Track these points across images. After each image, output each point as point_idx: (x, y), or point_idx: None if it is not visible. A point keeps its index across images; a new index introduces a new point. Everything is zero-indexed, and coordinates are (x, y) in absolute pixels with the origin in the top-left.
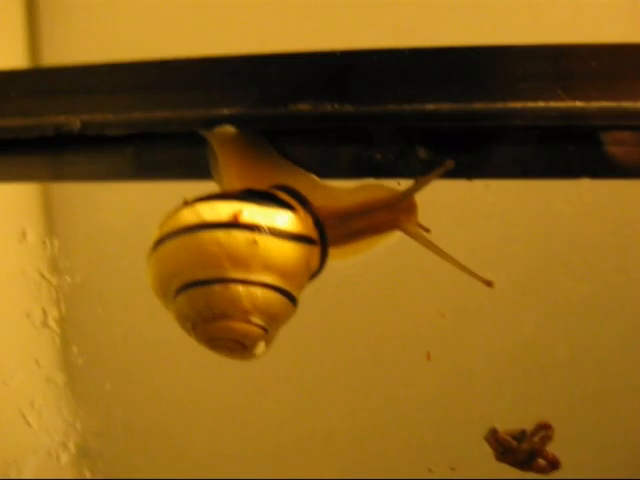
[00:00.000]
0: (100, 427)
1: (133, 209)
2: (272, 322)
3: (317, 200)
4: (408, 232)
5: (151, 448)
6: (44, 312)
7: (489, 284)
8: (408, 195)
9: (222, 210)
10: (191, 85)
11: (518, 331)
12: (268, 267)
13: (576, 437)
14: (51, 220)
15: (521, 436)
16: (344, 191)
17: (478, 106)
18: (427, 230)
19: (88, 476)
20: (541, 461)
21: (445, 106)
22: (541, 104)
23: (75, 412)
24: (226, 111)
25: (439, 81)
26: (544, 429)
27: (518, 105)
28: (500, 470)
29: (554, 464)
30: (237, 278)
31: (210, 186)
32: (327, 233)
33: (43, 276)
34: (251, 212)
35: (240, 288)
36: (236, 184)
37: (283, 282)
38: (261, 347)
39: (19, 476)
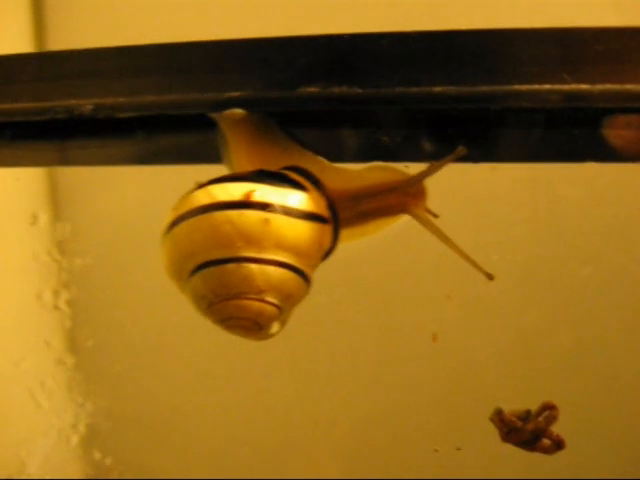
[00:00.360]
0: (110, 408)
1: (143, 192)
2: (286, 301)
3: (327, 181)
4: (416, 216)
5: (160, 429)
6: (55, 294)
7: (490, 277)
8: (418, 180)
9: (234, 190)
10: (201, 68)
11: (524, 313)
12: (281, 245)
13: (581, 419)
14: (62, 203)
15: (526, 416)
16: (354, 172)
17: (484, 89)
18: (435, 216)
19: (98, 457)
20: (546, 441)
21: (452, 89)
22: (546, 87)
23: (85, 393)
24: (236, 94)
25: (446, 64)
26: (549, 409)
27: (524, 88)
28: (505, 450)
29: (559, 444)
30: (250, 257)
31: (220, 169)
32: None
33: (54, 258)
34: (263, 191)
35: (253, 267)
36: (246, 167)
37: (296, 260)
38: (275, 327)
39: (30, 457)
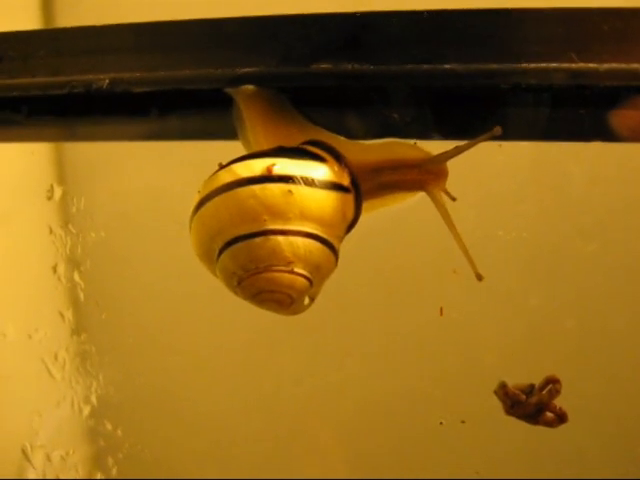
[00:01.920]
0: (122, 380)
1: (157, 168)
2: (316, 272)
3: (345, 154)
4: (432, 196)
5: (171, 402)
6: (69, 267)
7: (479, 277)
8: (444, 159)
9: (255, 166)
10: (215, 44)
11: (529, 287)
12: (305, 216)
13: (584, 396)
14: (77, 178)
15: (530, 390)
16: (373, 145)
17: (493, 67)
18: (453, 199)
19: (109, 428)
20: (549, 414)
21: (461, 66)
22: (553, 65)
23: (97, 365)
24: (249, 70)
25: (456, 42)
26: (552, 383)
27: (531, 66)
28: (509, 423)
29: (562, 417)
30: (276, 229)
31: (234, 145)
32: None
33: (69, 232)
34: (283, 165)
35: (280, 239)
36: (263, 144)
37: (322, 230)
38: (306, 301)
39: (42, 427)
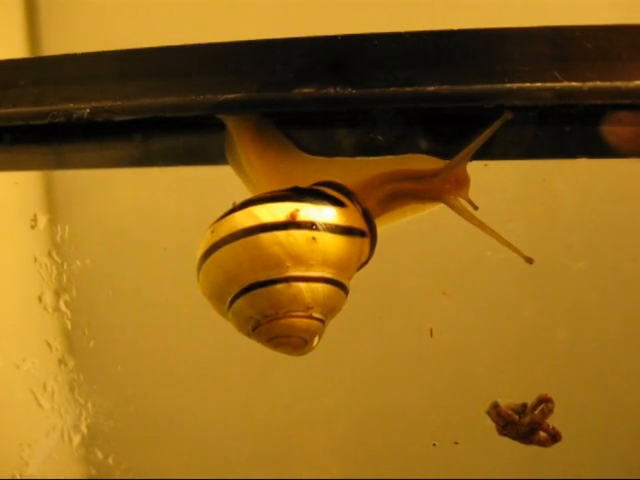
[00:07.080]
0: (112, 408)
1: (140, 194)
2: (329, 314)
3: (353, 173)
4: (452, 206)
5: (161, 428)
6: (55, 296)
7: (529, 260)
8: (457, 162)
9: (277, 211)
10: (197, 71)
11: (518, 308)
12: (326, 262)
13: (577, 413)
14: (61, 206)
15: (522, 410)
16: (383, 158)
17: (477, 88)
18: (476, 208)
19: (100, 457)
20: (542, 434)
21: (445, 88)
22: (538, 85)
23: (86, 394)
24: (232, 96)
25: (439, 64)
26: (545, 402)
27: (515, 86)
28: (502, 444)
29: (555, 436)
30: (299, 275)
31: (217, 170)
32: (370, 207)
33: (54, 260)
34: (306, 210)
35: (302, 285)
36: (261, 177)
37: (339, 275)
38: (316, 340)
39: (32, 457)
